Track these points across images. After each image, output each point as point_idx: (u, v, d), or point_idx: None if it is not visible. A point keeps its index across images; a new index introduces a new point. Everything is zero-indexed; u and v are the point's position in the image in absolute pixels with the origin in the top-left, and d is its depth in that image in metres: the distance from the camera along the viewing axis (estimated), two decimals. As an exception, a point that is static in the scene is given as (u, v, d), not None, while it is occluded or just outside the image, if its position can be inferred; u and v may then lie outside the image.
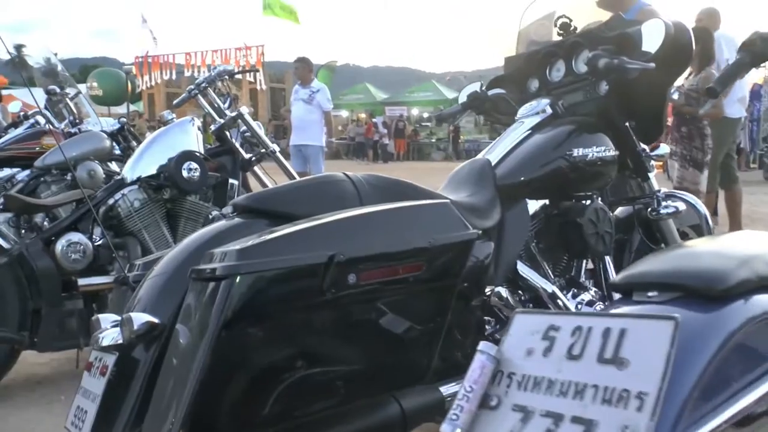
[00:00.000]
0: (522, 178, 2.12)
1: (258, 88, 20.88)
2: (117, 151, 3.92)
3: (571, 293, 2.20)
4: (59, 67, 4.66)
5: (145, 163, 2.88)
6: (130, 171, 2.88)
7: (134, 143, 4.01)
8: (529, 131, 2.28)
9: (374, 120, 25.03)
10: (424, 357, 1.56)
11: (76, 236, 2.65)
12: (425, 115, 28.71)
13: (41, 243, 2.63)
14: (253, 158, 3.24)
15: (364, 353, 1.46)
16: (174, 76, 20.63)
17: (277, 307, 1.31)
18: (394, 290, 1.46)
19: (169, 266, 1.55)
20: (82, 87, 4.63)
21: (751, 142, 15.01)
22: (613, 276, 2.29)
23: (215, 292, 1.25)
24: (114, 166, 3.89)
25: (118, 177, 2.88)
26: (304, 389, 1.41)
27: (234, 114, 3.19)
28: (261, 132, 3.28)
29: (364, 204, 1.67)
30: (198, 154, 2.87)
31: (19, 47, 5.39)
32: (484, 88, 2.75)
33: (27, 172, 3.80)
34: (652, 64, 2.10)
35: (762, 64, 1.70)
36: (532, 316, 0.93)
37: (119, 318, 1.54)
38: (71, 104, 4.50)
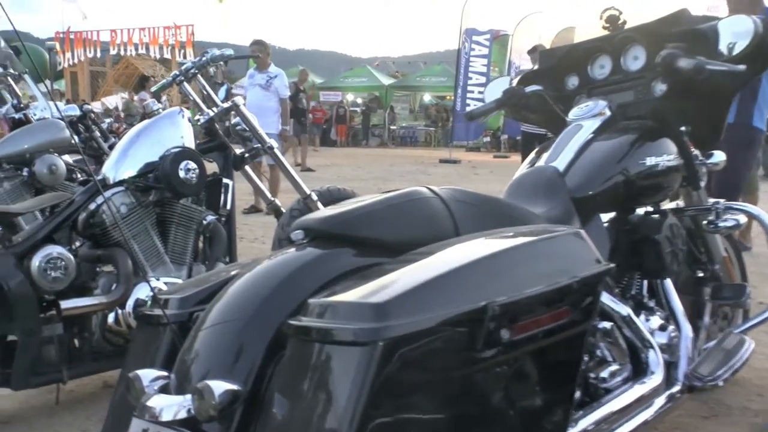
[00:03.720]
0: (597, 190, 1.92)
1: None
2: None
3: (642, 316, 2.00)
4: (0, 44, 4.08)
5: (130, 161, 2.43)
6: (113, 170, 2.43)
7: (97, 133, 3.56)
8: (592, 135, 2.07)
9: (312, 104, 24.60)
10: (563, 413, 1.32)
11: (55, 250, 2.19)
12: (359, 100, 28.37)
13: (13, 259, 2.16)
14: (247, 155, 2.87)
15: (508, 422, 1.20)
16: (99, 54, 19.54)
17: (420, 376, 1.02)
18: (543, 342, 1.20)
19: (236, 310, 1.23)
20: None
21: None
22: (674, 295, 2.10)
23: (344, 360, 0.97)
24: (66, 157, 3.41)
25: (99, 177, 2.45)
26: None
27: (228, 105, 2.81)
28: (257, 124, 2.91)
29: (459, 225, 1.42)
30: (196, 153, 2.49)
31: None
32: (515, 83, 2.54)
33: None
34: (742, 66, 1.91)
35: None
36: None
37: (164, 374, 1.23)
38: (15, 86, 3.97)
